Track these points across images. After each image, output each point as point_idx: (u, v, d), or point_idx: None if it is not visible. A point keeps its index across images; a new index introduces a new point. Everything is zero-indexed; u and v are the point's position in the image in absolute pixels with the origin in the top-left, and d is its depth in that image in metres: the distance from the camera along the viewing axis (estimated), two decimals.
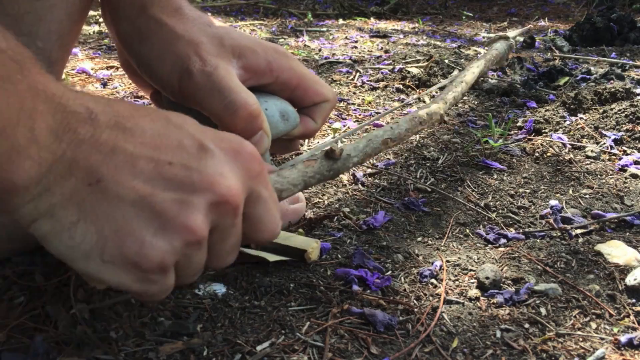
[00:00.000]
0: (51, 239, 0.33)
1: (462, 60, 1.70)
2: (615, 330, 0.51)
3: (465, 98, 1.31)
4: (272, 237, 0.42)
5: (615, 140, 0.97)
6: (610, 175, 0.86)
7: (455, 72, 1.46)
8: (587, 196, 0.78)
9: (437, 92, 1.35)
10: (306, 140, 0.97)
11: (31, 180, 0.31)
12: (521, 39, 0.73)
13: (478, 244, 0.65)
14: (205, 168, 0.35)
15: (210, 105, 0.47)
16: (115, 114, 0.34)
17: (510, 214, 0.73)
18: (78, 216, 0.33)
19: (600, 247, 0.64)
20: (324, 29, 2.50)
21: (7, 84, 0.30)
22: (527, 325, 0.51)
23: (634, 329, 0.51)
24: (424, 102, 1.27)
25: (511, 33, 0.70)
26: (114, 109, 0.35)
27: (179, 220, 0.34)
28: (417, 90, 1.36)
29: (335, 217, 0.69)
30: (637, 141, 0.97)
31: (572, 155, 0.92)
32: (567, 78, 1.42)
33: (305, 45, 2.02)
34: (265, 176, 0.40)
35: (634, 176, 0.85)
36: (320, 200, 0.74)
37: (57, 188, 0.32)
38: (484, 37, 2.38)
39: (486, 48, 0.74)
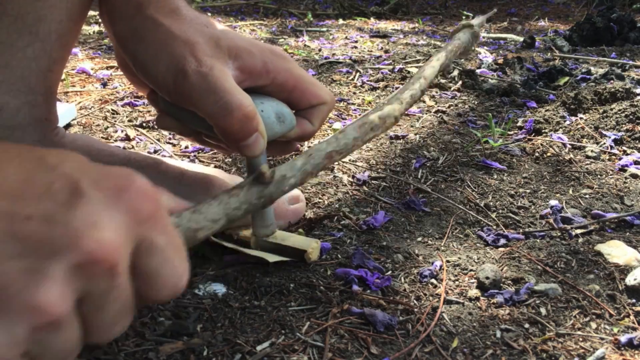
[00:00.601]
0: None
1: (462, 60, 1.70)
2: (615, 330, 0.51)
3: (464, 98, 1.31)
4: (173, 294, 0.33)
5: (615, 140, 0.97)
6: (610, 175, 0.86)
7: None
8: (587, 196, 0.78)
9: (438, 95, 1.35)
10: (305, 142, 0.97)
11: None
12: (483, 25, 0.67)
13: (478, 244, 0.65)
14: (73, 219, 0.27)
15: (205, 106, 0.47)
16: None
17: (510, 214, 0.73)
18: None
19: (600, 247, 0.64)
20: (324, 29, 2.50)
21: None
22: (527, 325, 0.51)
23: (634, 329, 0.51)
24: (424, 102, 1.27)
25: (475, 21, 0.65)
26: None
27: (23, 299, 0.26)
28: None
29: (335, 217, 0.69)
30: (637, 141, 0.97)
31: (572, 155, 0.92)
32: (567, 78, 1.42)
33: (305, 45, 2.02)
34: (162, 218, 0.32)
35: (634, 176, 0.85)
36: (320, 200, 0.74)
37: None
38: (483, 37, 2.38)
39: (450, 37, 0.67)
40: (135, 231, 0.30)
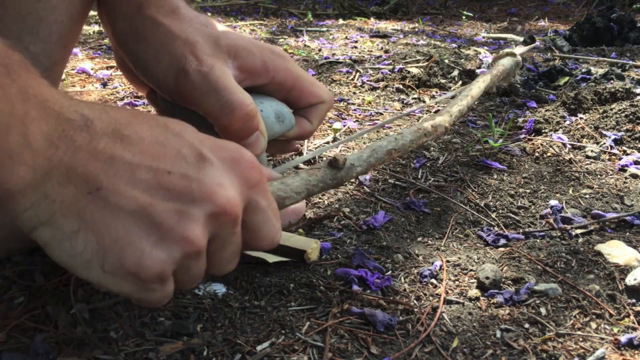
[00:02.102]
0: (52, 247, 0.33)
1: (462, 60, 1.70)
2: (615, 330, 0.51)
3: None
4: (271, 245, 0.41)
5: (615, 140, 0.97)
6: (610, 175, 0.86)
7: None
8: (587, 196, 0.78)
9: (438, 95, 1.35)
10: (305, 141, 0.97)
11: (27, 187, 0.31)
12: (528, 54, 0.78)
13: (478, 244, 0.65)
14: (204, 178, 0.35)
15: (206, 105, 0.47)
16: (111, 120, 0.34)
17: (510, 214, 0.73)
18: (79, 225, 0.33)
19: (600, 247, 0.64)
20: (324, 29, 2.50)
21: None
22: (527, 325, 0.51)
23: (634, 329, 0.51)
24: (424, 101, 1.27)
25: (518, 50, 0.72)
26: (110, 115, 0.34)
27: (178, 232, 0.34)
28: (417, 90, 1.36)
29: (335, 217, 0.69)
30: (637, 141, 0.97)
31: (572, 155, 0.92)
32: (567, 78, 1.42)
33: (305, 45, 2.02)
34: (264, 185, 0.40)
35: (634, 176, 0.85)
36: (320, 200, 0.74)
37: (56, 196, 0.32)
38: (483, 37, 2.38)
39: (492, 64, 0.76)
40: (247, 193, 0.38)
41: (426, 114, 1.17)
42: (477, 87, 0.67)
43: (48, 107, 0.32)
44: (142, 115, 0.38)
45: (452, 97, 0.65)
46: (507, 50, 0.79)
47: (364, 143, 0.98)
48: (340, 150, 0.94)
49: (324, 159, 0.55)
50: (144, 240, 0.33)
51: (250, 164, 0.38)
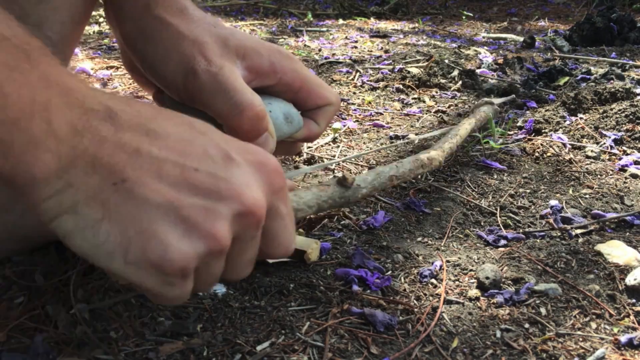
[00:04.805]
0: (74, 237, 0.33)
1: (462, 60, 1.70)
2: (615, 330, 0.51)
3: (464, 98, 1.31)
4: (285, 254, 0.41)
5: (615, 140, 0.97)
6: (610, 175, 0.86)
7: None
8: (587, 196, 0.78)
9: (438, 95, 1.35)
10: (306, 145, 0.97)
11: (51, 173, 0.31)
12: (501, 102, 0.96)
13: (478, 244, 0.65)
14: (231, 177, 0.35)
15: (215, 105, 0.47)
16: (135, 114, 0.34)
17: (510, 214, 0.73)
18: (102, 214, 0.32)
19: (600, 247, 0.64)
20: (324, 29, 2.50)
21: (15, 73, 0.29)
22: (527, 325, 0.51)
23: (634, 329, 0.51)
24: (424, 102, 1.27)
25: (496, 100, 0.89)
26: (133, 108, 0.34)
27: (204, 227, 0.34)
28: (417, 90, 1.36)
29: (335, 217, 0.69)
30: (637, 141, 0.97)
31: (572, 155, 0.92)
32: (567, 78, 1.42)
33: (305, 45, 2.02)
34: (286, 192, 0.39)
35: (634, 176, 0.85)
36: None
37: (81, 185, 0.32)
38: (483, 37, 2.38)
39: (473, 110, 0.97)
40: (270, 198, 0.37)
41: (426, 113, 1.17)
42: (464, 128, 0.76)
43: (71, 96, 0.32)
44: (165, 111, 0.37)
45: (441, 135, 0.76)
46: (486, 99, 0.95)
47: (364, 143, 0.99)
48: (341, 151, 0.94)
49: (335, 172, 0.54)
50: (170, 233, 0.33)
51: (275, 168, 0.38)
